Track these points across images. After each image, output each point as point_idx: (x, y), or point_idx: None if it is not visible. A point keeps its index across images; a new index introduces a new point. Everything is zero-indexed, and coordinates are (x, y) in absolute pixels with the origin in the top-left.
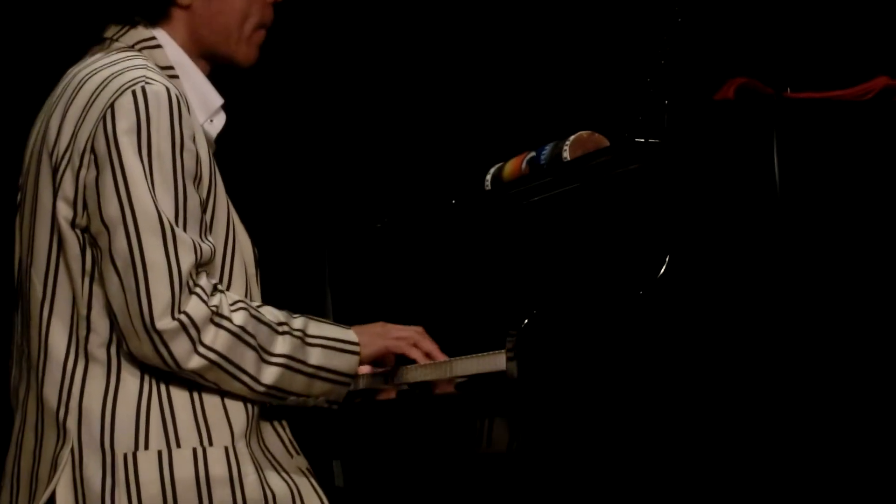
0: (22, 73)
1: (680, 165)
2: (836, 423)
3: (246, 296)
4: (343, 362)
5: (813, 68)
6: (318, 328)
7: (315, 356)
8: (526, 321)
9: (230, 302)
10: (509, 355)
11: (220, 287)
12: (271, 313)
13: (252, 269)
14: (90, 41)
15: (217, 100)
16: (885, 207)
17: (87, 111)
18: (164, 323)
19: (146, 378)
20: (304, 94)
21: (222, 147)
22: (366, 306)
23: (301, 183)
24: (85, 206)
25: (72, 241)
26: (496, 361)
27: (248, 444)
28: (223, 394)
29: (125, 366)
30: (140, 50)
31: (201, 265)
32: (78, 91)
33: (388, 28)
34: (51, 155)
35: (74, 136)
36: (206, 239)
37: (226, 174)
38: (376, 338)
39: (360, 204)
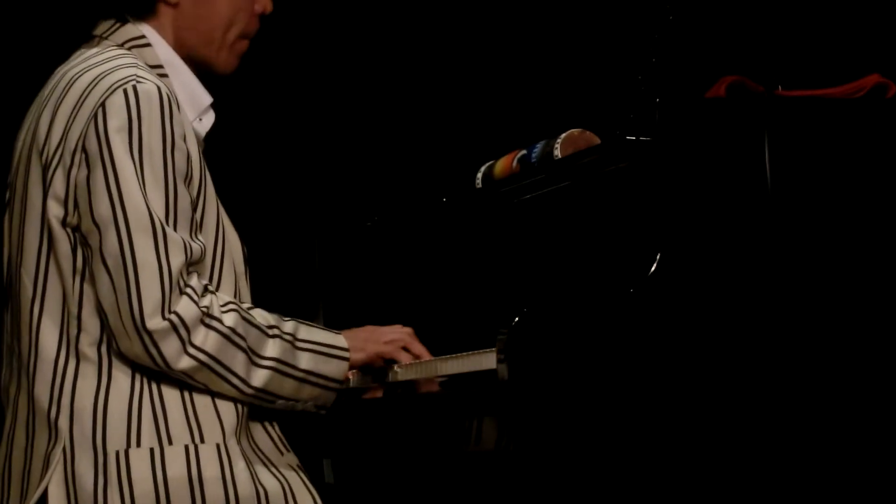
0: (11, 71)
1: (671, 163)
2: (827, 422)
3: (235, 295)
4: (332, 368)
5: (804, 66)
6: (308, 332)
7: (305, 361)
8: (516, 319)
9: (221, 303)
10: (500, 357)
11: (210, 288)
12: (262, 316)
13: (241, 268)
14: (80, 39)
15: (206, 98)
16: (876, 205)
17: (78, 109)
18: (155, 323)
19: (137, 377)
20: (294, 93)
21: (212, 145)
22: (356, 305)
23: (291, 181)
24: (76, 205)
25: (62, 239)
26: (485, 360)
27: (239, 442)
28: (213, 393)
29: (116, 364)
30: (130, 48)
31: (191, 265)
32: (68, 89)
33: (379, 26)
34: (41, 153)
35: (65, 134)
36: (197, 238)
37: (215, 172)
38: (366, 343)
39: (350, 202)
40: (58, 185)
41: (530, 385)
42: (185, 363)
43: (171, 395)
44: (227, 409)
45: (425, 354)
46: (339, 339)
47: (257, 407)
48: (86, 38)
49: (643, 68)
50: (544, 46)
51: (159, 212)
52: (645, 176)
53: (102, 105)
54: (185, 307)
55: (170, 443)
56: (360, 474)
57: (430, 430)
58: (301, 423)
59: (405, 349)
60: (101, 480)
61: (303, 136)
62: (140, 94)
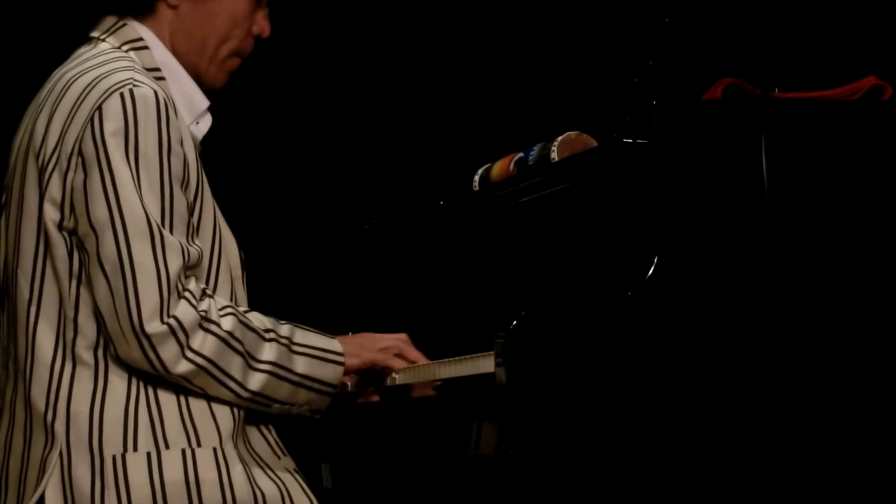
0: (9, 71)
1: (668, 166)
2: (823, 425)
3: (231, 299)
4: (328, 372)
5: (801, 68)
6: (304, 336)
7: (301, 365)
8: (514, 323)
9: (219, 307)
10: (498, 360)
11: (208, 292)
12: (258, 319)
13: (238, 272)
14: (78, 39)
15: (203, 102)
16: (873, 207)
17: (75, 113)
18: (153, 326)
19: (134, 381)
20: (292, 96)
21: (209, 148)
22: (354, 308)
23: (288, 184)
24: (72, 209)
25: (59, 243)
26: (483, 364)
27: (236, 446)
28: (210, 398)
29: (112, 368)
30: (127, 51)
31: (189, 269)
32: (65, 92)
33: (377, 29)
34: (37, 156)
35: (62, 137)
36: (194, 242)
37: (212, 176)
38: (361, 349)
39: (347, 205)
40: (54, 188)
41: (528, 388)
42: (183, 367)
43: (168, 400)
44: (224, 414)
45: (421, 360)
46: (334, 344)
47: (254, 411)
48: (84, 38)
49: (640, 71)
50: (541, 49)
51: (156, 216)
52: (642, 179)
53: (99, 109)
54: (184, 311)
55: (167, 447)
56: (358, 479)
57: (428, 435)
58: (299, 427)
59: (400, 356)
60: (98, 484)
61: (300, 140)
62: (137, 99)
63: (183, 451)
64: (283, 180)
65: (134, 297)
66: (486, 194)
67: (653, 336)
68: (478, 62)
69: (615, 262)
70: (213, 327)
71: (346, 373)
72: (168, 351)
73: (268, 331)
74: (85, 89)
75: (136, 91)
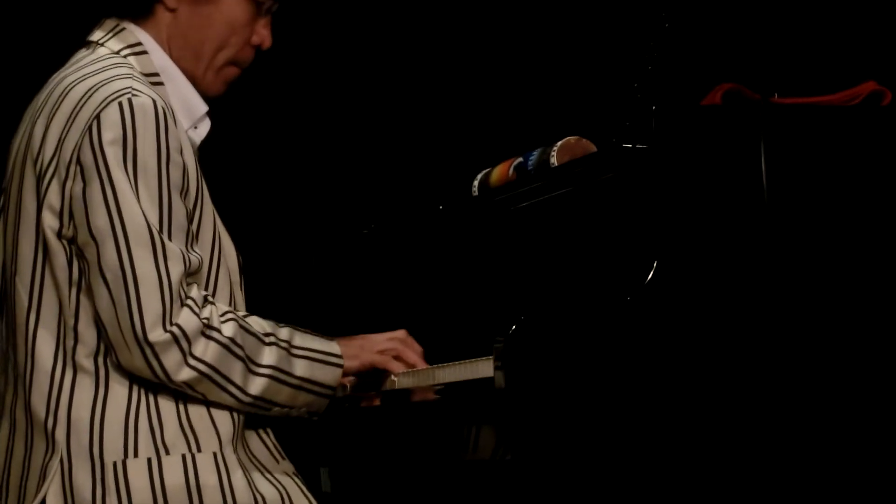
0: (7, 73)
1: (667, 171)
2: (826, 431)
3: (230, 304)
4: (327, 375)
5: (800, 74)
6: (302, 339)
7: (300, 368)
8: (513, 327)
9: (220, 313)
10: (497, 364)
11: (210, 298)
12: (258, 323)
13: (236, 277)
14: (76, 42)
15: (202, 107)
16: (872, 213)
17: (73, 121)
18: (156, 335)
19: (134, 388)
20: (291, 100)
21: (207, 153)
22: (353, 313)
23: (288, 189)
24: (71, 217)
25: (58, 251)
26: (482, 368)
27: (235, 451)
28: (209, 403)
29: (113, 375)
30: (126, 56)
31: (190, 276)
32: (63, 98)
33: (376, 34)
34: (35, 162)
35: (59, 145)
36: (193, 250)
37: (212, 180)
38: (360, 351)
39: (346, 210)
40: (53, 196)
41: (527, 393)
42: (185, 375)
43: (168, 406)
44: (223, 419)
45: (419, 363)
46: (333, 346)
47: (252, 415)
48: (83, 42)
49: (639, 76)
50: (540, 54)
51: (156, 225)
52: (641, 184)
53: (97, 118)
54: (187, 319)
55: (167, 452)
56: (357, 483)
57: (426, 438)
58: (297, 431)
59: (399, 358)
60: (99, 490)
61: (299, 144)
62: (135, 108)
63: (183, 457)
64: (283, 184)
65: (137, 306)
66: (485, 199)
67: (652, 341)
68: (477, 67)
69: (614, 267)
70: (214, 334)
71: (345, 375)
72: (170, 359)
73: (267, 335)
74: (83, 97)
75: (135, 101)
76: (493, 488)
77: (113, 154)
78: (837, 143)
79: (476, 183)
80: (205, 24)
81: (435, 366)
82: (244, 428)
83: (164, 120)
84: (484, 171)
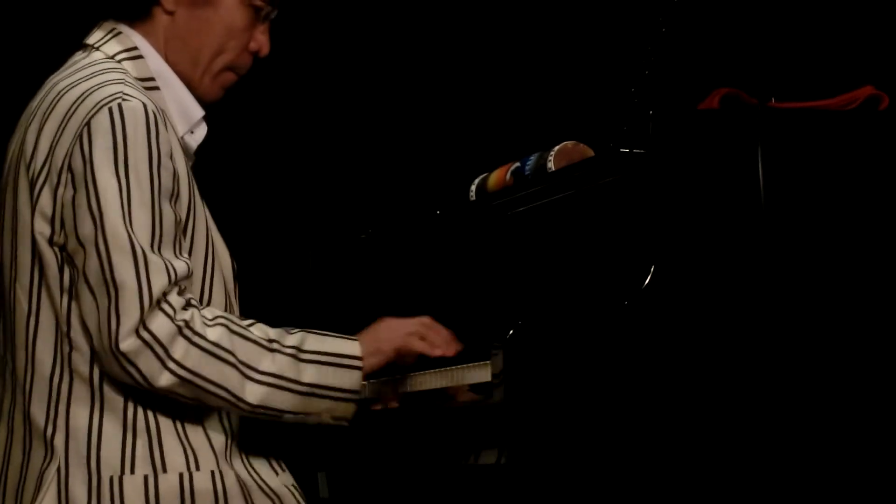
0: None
1: (664, 175)
2: (824, 438)
3: (226, 310)
4: (342, 378)
5: (797, 78)
6: (316, 343)
7: (309, 374)
8: (511, 332)
9: (209, 317)
10: (493, 370)
11: (194, 302)
12: (261, 330)
13: (231, 284)
14: (74, 44)
15: (198, 111)
16: (870, 217)
17: (64, 127)
18: (128, 343)
19: (130, 396)
20: (289, 105)
21: (204, 157)
22: (351, 318)
23: (285, 194)
24: (62, 224)
25: (50, 258)
26: (478, 373)
27: (233, 466)
28: (203, 414)
29: (108, 383)
30: (121, 60)
31: (178, 283)
32: (55, 103)
33: (374, 38)
34: (28, 167)
35: (51, 151)
36: (181, 256)
37: (208, 185)
38: (383, 344)
39: (344, 215)
40: (45, 202)
41: (523, 398)
42: (165, 380)
43: (164, 418)
44: (216, 432)
45: (448, 341)
46: (350, 347)
47: (251, 426)
48: (79, 45)
49: (637, 80)
50: (538, 58)
51: (143, 232)
52: (638, 188)
53: (88, 124)
54: (160, 324)
55: (164, 470)
56: (354, 488)
57: (423, 443)
58: (295, 437)
59: (424, 340)
60: (94, 503)
61: (296, 149)
62: (125, 113)
63: (181, 475)
64: (280, 189)
65: (115, 316)
66: (482, 204)
67: (649, 345)
68: (474, 72)
69: (612, 272)
70: (196, 338)
71: (370, 373)
72: (147, 365)
73: (271, 341)
74: (74, 103)
75: (125, 105)
76: (491, 493)
77: (103, 160)
78: (835, 147)
79: (473, 188)
80: (203, 28)
81: (430, 371)
82: (242, 440)
83: (154, 124)
84: (481, 176)
